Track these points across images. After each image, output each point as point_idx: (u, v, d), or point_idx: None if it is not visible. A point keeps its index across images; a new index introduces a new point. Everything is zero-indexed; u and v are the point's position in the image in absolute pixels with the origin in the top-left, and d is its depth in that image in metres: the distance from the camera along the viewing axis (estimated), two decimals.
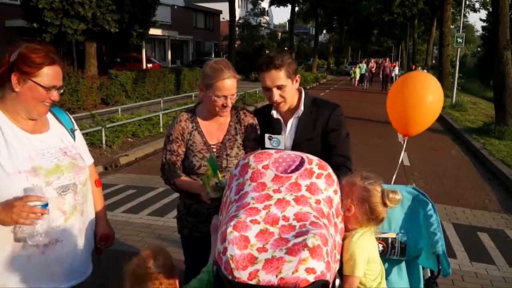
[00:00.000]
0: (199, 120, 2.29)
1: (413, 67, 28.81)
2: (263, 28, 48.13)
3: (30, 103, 1.64)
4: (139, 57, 26.60)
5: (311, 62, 42.62)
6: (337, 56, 58.05)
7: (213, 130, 2.28)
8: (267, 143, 2.20)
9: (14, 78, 1.59)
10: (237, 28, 35.62)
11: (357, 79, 29.84)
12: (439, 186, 6.80)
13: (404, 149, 3.21)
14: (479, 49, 58.53)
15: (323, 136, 2.23)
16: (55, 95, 1.68)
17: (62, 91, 1.73)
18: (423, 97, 2.80)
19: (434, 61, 43.25)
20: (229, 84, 2.12)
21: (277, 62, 2.08)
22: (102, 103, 14.86)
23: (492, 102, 12.75)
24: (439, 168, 8.11)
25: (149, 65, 26.02)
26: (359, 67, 30.28)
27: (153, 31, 22.99)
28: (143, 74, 17.18)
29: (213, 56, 35.43)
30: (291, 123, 2.26)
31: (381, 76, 27.97)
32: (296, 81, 2.20)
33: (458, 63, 18.36)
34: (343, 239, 1.54)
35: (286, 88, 2.13)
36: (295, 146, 2.21)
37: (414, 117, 2.87)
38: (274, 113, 2.27)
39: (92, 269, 1.96)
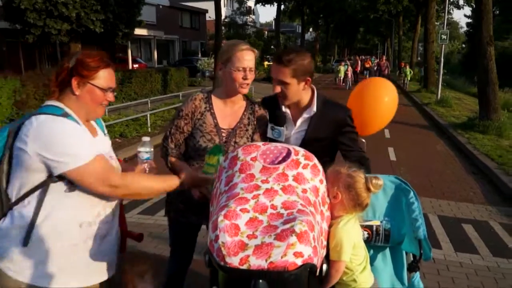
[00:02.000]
0: (214, 102, 2.28)
1: (402, 64, 28.63)
2: (249, 26, 48.21)
3: (90, 105, 1.75)
4: (124, 58, 26.41)
5: None
6: (323, 54, 58.39)
7: (226, 115, 2.28)
8: (269, 133, 2.17)
9: (74, 82, 1.70)
10: (223, 27, 35.61)
11: (341, 78, 27.23)
12: (425, 180, 6.93)
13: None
14: (463, 45, 59.40)
15: (335, 137, 2.25)
16: (110, 96, 1.80)
17: (115, 93, 1.85)
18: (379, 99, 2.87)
19: (419, 58, 43.70)
20: (247, 56, 2.15)
21: (285, 58, 2.07)
22: None
23: (477, 98, 12.99)
24: (425, 163, 8.26)
25: (135, 66, 25.87)
26: (344, 65, 27.98)
27: (139, 31, 22.86)
28: (130, 75, 17.07)
29: (199, 55, 35.32)
30: (300, 122, 2.26)
31: (381, 75, 25.33)
32: (306, 82, 2.17)
33: (442, 59, 18.61)
34: (329, 226, 1.60)
35: (289, 86, 2.13)
36: (302, 145, 2.16)
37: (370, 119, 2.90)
38: (283, 108, 2.28)
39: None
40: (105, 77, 1.75)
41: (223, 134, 2.25)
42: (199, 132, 2.25)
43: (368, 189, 1.63)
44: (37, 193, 1.63)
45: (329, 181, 1.63)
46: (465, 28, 51.32)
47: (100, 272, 1.84)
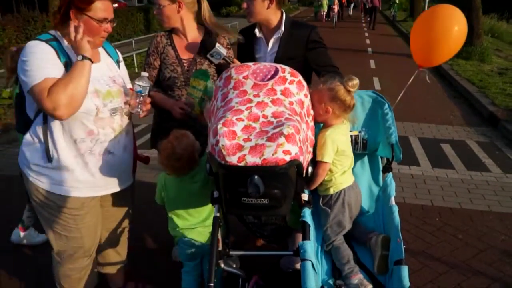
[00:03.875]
0: (174, 37, 2.52)
1: None
2: None
3: (87, 36, 1.84)
4: None
5: None
6: None
7: (186, 47, 2.51)
8: (211, 58, 2.39)
9: (72, 15, 1.83)
10: None
11: (324, 13, 23.90)
12: (408, 106, 7.18)
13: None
14: None
15: (304, 55, 2.45)
16: (107, 27, 1.91)
17: (114, 24, 1.96)
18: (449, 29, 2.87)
19: None
20: None
21: None
22: None
23: None
24: (408, 90, 8.41)
25: (115, 5, 24.72)
26: None
27: None
28: None
29: None
30: (272, 43, 2.50)
31: (365, 8, 23.35)
32: (271, 2, 2.38)
33: None
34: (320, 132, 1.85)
35: (254, 3, 2.38)
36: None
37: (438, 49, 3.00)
38: (257, 32, 2.52)
39: (133, 181, 2.30)
40: (100, 8, 1.85)
41: (185, 64, 2.48)
42: (164, 64, 2.49)
43: (349, 91, 1.85)
44: (41, 113, 1.88)
45: (316, 101, 1.84)
46: None
47: (108, 184, 2.09)
